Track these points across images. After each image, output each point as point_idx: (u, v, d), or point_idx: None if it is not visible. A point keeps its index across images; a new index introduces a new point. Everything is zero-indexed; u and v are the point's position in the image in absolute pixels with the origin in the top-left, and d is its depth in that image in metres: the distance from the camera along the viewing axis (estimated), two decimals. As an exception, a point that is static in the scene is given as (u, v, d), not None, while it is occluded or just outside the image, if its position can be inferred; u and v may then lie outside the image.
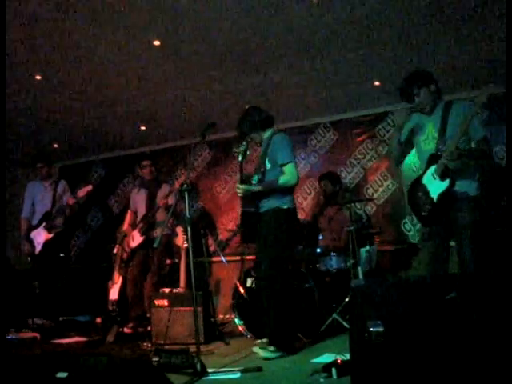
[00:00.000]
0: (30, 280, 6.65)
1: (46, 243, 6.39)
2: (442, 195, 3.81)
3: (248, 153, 4.75)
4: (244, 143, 4.68)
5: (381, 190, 7.04)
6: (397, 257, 6.63)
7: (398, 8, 4.65)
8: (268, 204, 4.52)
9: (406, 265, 6.43)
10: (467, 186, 3.85)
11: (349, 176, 7.22)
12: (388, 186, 7.01)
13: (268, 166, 4.58)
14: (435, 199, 3.86)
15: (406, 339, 2.30)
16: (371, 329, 2.29)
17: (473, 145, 3.88)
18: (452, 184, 3.76)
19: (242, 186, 4.53)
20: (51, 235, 6.40)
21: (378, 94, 6.61)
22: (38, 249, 6.42)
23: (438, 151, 3.88)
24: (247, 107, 4.84)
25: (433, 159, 3.90)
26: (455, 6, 4.61)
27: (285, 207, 4.48)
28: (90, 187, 6.28)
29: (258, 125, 4.66)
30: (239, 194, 4.58)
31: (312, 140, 7.51)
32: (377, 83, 6.27)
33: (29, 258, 6.53)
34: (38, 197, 6.67)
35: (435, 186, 3.85)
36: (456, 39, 5.23)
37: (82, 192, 6.25)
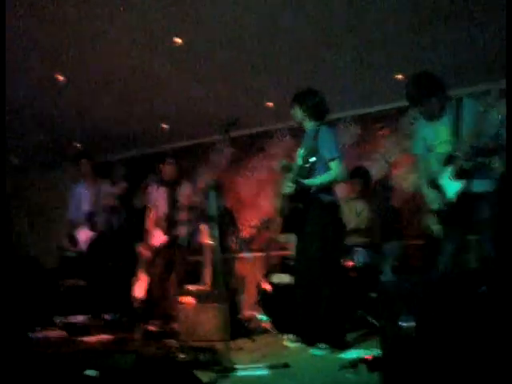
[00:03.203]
0: (57, 278, 6.70)
1: (91, 243, 6.45)
2: (460, 194, 3.82)
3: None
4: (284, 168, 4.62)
5: (406, 183, 6.95)
6: (424, 251, 6.53)
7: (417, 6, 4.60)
8: (312, 197, 4.41)
9: (432, 259, 6.34)
10: (483, 184, 3.83)
11: (373, 170, 7.13)
12: (413, 179, 6.92)
13: (313, 159, 4.42)
14: (452, 199, 3.87)
15: (439, 334, 2.25)
16: (403, 324, 2.25)
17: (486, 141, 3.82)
18: (468, 184, 3.76)
19: (291, 184, 4.46)
20: (95, 234, 6.46)
21: (400, 87, 6.52)
22: (83, 247, 6.49)
23: (453, 152, 3.85)
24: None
25: (449, 160, 3.89)
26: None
27: (328, 200, 4.40)
28: (125, 184, 6.34)
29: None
30: (286, 192, 4.49)
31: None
32: (399, 76, 6.19)
33: (69, 254, 6.60)
34: (82, 196, 6.74)
35: (452, 187, 3.83)
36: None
37: (118, 188, 6.32)
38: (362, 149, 7.30)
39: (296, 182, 4.44)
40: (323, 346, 4.16)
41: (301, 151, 4.58)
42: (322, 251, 4.31)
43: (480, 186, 3.82)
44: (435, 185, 4.02)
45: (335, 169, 4.34)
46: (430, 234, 6.60)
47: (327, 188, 4.44)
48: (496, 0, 4.49)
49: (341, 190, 7.19)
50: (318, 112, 4.56)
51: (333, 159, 4.35)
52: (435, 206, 4.06)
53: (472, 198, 3.81)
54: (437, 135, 4.04)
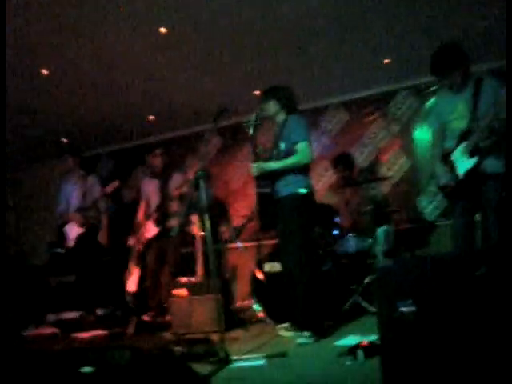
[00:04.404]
0: (47, 275, 6.67)
1: (79, 237, 6.39)
2: (469, 172, 3.85)
3: (258, 127, 4.64)
4: (254, 116, 4.59)
5: (395, 168, 6.95)
6: (414, 235, 6.56)
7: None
8: (285, 190, 4.44)
9: (423, 243, 6.38)
10: (495, 164, 3.85)
11: (362, 156, 7.13)
12: (402, 164, 6.93)
13: (282, 146, 4.49)
14: (462, 175, 3.90)
15: (438, 318, 2.24)
16: (402, 308, 2.24)
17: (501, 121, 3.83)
18: (480, 162, 3.79)
19: (256, 165, 4.49)
20: (83, 229, 6.41)
21: (388, 71, 6.52)
22: (70, 243, 6.43)
23: (469, 129, 3.86)
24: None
25: (464, 136, 3.90)
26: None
27: (302, 192, 4.40)
28: (117, 182, 6.27)
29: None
30: (254, 173, 4.52)
31: (323, 121, 7.44)
32: (386, 61, 6.17)
33: (58, 250, 6.56)
34: (70, 192, 6.67)
35: (463, 163, 3.86)
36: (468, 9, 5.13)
37: (110, 187, 6.24)
38: (350, 134, 7.30)
39: (260, 165, 4.48)
40: (307, 333, 4.18)
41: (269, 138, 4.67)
42: (299, 243, 4.35)
43: (492, 166, 3.84)
44: (447, 160, 4.02)
45: (301, 151, 4.36)
46: (420, 217, 6.70)
47: (302, 177, 4.46)
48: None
49: (326, 178, 7.27)
50: (291, 106, 4.62)
51: (300, 141, 4.37)
52: (443, 180, 4.08)
53: (482, 176, 3.84)
54: (454, 110, 4.04)
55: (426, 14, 5.12)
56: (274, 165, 4.46)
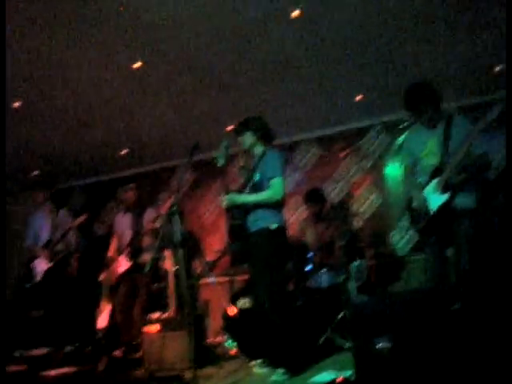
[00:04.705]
0: (14, 310, 6.52)
1: (47, 272, 6.28)
2: (441, 207, 3.91)
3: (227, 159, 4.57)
4: (222, 149, 4.53)
5: (367, 204, 7.03)
6: (386, 270, 6.60)
7: (381, 26, 4.71)
8: (256, 224, 4.40)
9: (396, 278, 6.42)
10: (467, 200, 3.92)
11: (334, 192, 7.20)
12: (373, 199, 7.02)
13: (256, 178, 4.44)
14: (434, 211, 3.95)
15: (414, 353, 2.25)
16: (379, 344, 2.24)
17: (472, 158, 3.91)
18: (452, 198, 3.86)
19: (227, 196, 4.43)
20: (51, 264, 6.30)
21: (360, 108, 6.64)
22: (38, 278, 6.30)
23: (441, 165, 3.93)
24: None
25: (436, 173, 3.97)
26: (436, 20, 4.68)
27: (274, 227, 4.35)
28: (85, 216, 6.21)
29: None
30: (225, 205, 4.45)
31: (296, 157, 7.51)
32: (359, 97, 6.29)
33: (26, 285, 6.43)
34: (40, 226, 6.57)
35: (435, 199, 3.91)
36: (440, 49, 5.29)
37: (78, 221, 6.20)
38: (323, 170, 7.38)
39: (232, 197, 4.43)
40: (281, 370, 4.11)
41: (245, 172, 4.63)
42: (270, 279, 4.28)
43: (463, 202, 3.90)
44: (420, 196, 4.08)
45: (275, 187, 4.32)
46: (392, 252, 6.76)
47: (274, 212, 4.41)
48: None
49: (299, 213, 7.30)
50: (268, 136, 4.60)
51: (274, 177, 4.33)
52: (417, 220, 4.14)
53: (454, 212, 3.90)
54: (426, 146, 4.11)
55: (398, 52, 5.26)
56: (245, 198, 4.43)
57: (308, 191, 6.56)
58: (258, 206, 4.38)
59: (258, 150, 4.59)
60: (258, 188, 4.43)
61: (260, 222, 4.38)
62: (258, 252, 4.37)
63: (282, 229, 4.43)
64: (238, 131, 4.60)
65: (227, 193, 4.49)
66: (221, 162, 4.54)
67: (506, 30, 3.69)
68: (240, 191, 4.57)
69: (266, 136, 4.58)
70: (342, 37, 4.88)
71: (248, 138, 4.57)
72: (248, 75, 5.50)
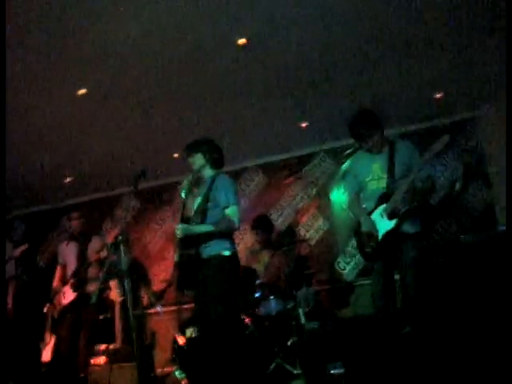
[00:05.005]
0: None
1: None
2: (388, 234, 3.96)
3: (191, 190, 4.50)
4: (188, 178, 4.48)
5: (312, 230, 7.12)
6: (334, 296, 6.67)
7: (324, 54, 4.82)
8: (209, 250, 4.29)
9: (344, 303, 6.49)
10: (412, 224, 4.01)
11: (280, 218, 7.27)
12: (319, 226, 7.11)
13: (208, 206, 4.35)
14: (380, 237, 4.00)
15: (367, 378, 2.28)
16: (332, 371, 2.26)
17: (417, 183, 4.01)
18: (399, 224, 3.93)
19: (181, 226, 4.29)
20: None
21: (304, 135, 6.75)
22: None
23: (388, 191, 4.01)
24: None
25: (383, 198, 4.03)
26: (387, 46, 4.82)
27: (226, 254, 4.30)
28: (25, 246, 6.04)
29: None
30: (178, 235, 4.30)
31: (241, 184, 7.52)
32: (303, 124, 6.39)
33: None
34: None
35: (382, 225, 3.97)
36: (384, 77, 5.45)
37: (17, 251, 6.00)
38: (269, 197, 7.44)
39: (186, 227, 4.32)
40: None
41: (197, 199, 4.56)
42: (222, 306, 4.21)
43: (410, 227, 3.99)
44: (368, 221, 4.13)
45: (232, 216, 4.26)
46: (339, 277, 6.84)
47: (226, 238, 4.35)
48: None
49: (245, 241, 7.30)
50: (218, 160, 4.55)
51: (229, 206, 4.29)
52: (364, 245, 4.19)
53: (400, 237, 3.97)
54: (370, 171, 4.18)
55: (342, 81, 5.39)
56: (200, 228, 4.32)
57: (255, 218, 6.57)
58: (212, 234, 4.31)
59: (208, 173, 4.51)
60: (210, 215, 4.35)
61: (212, 248, 4.30)
62: (211, 279, 4.29)
63: (234, 256, 4.39)
64: (188, 153, 4.52)
65: (181, 222, 4.39)
66: (183, 194, 4.48)
67: (505, 30, 3.81)
68: (188, 218, 4.48)
69: (215, 159, 4.52)
70: (286, 65, 4.96)
71: (198, 160, 4.48)
72: (193, 103, 5.51)
